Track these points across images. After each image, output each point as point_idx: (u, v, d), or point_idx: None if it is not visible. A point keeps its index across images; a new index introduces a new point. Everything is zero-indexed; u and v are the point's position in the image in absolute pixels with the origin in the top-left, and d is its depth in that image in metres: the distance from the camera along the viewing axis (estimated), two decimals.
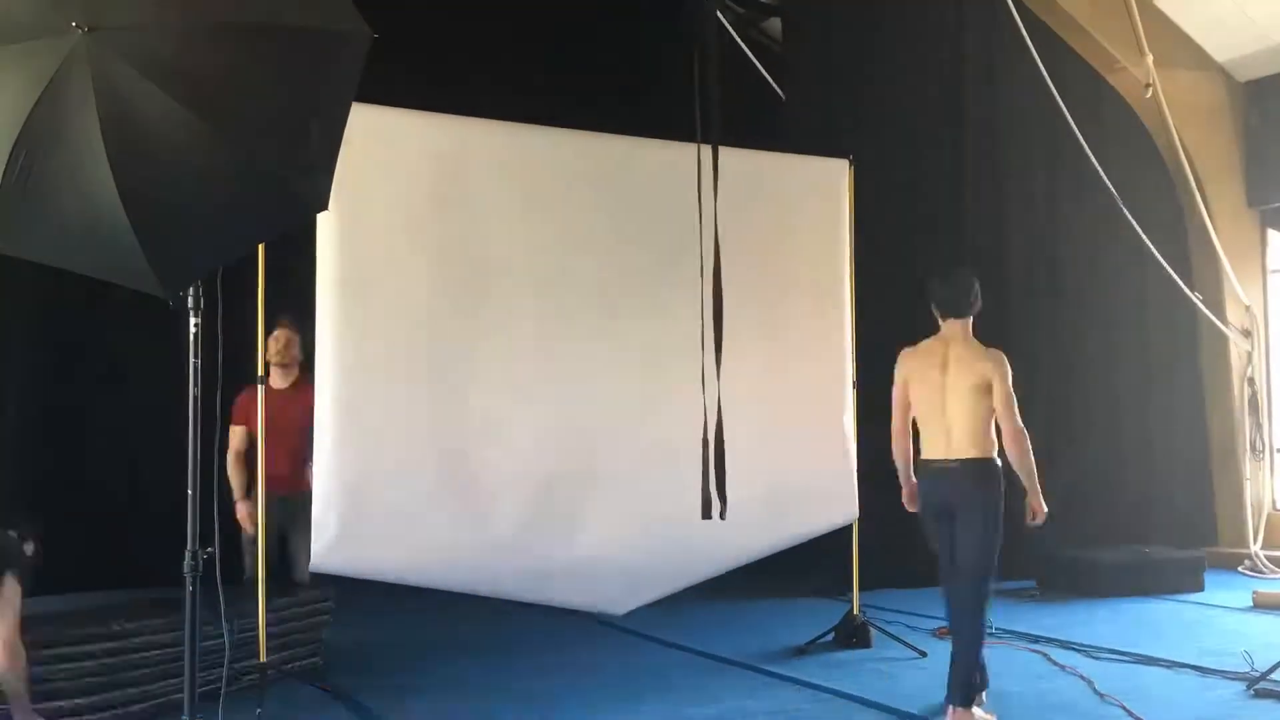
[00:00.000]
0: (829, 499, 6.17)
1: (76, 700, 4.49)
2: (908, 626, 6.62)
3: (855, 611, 6.39)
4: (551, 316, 5.42)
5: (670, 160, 5.36)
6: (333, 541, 4.78)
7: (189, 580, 3.38)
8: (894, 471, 5.00)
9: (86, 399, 7.24)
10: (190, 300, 3.33)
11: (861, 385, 6.30)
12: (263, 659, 4.89)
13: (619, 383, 5.54)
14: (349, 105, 3.07)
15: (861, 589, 6.45)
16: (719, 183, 4.44)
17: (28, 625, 4.17)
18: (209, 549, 3.42)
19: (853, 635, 6.30)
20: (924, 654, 6.02)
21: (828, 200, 6.39)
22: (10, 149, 2.70)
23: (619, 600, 5.63)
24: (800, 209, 6.27)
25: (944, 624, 6.33)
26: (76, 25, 2.59)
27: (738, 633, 6.61)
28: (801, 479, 6.03)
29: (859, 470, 6.29)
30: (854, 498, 6.24)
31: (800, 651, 6.17)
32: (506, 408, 5.26)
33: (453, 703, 5.13)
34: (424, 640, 6.53)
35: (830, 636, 6.33)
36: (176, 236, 2.90)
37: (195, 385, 3.41)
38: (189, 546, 3.39)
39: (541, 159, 5.53)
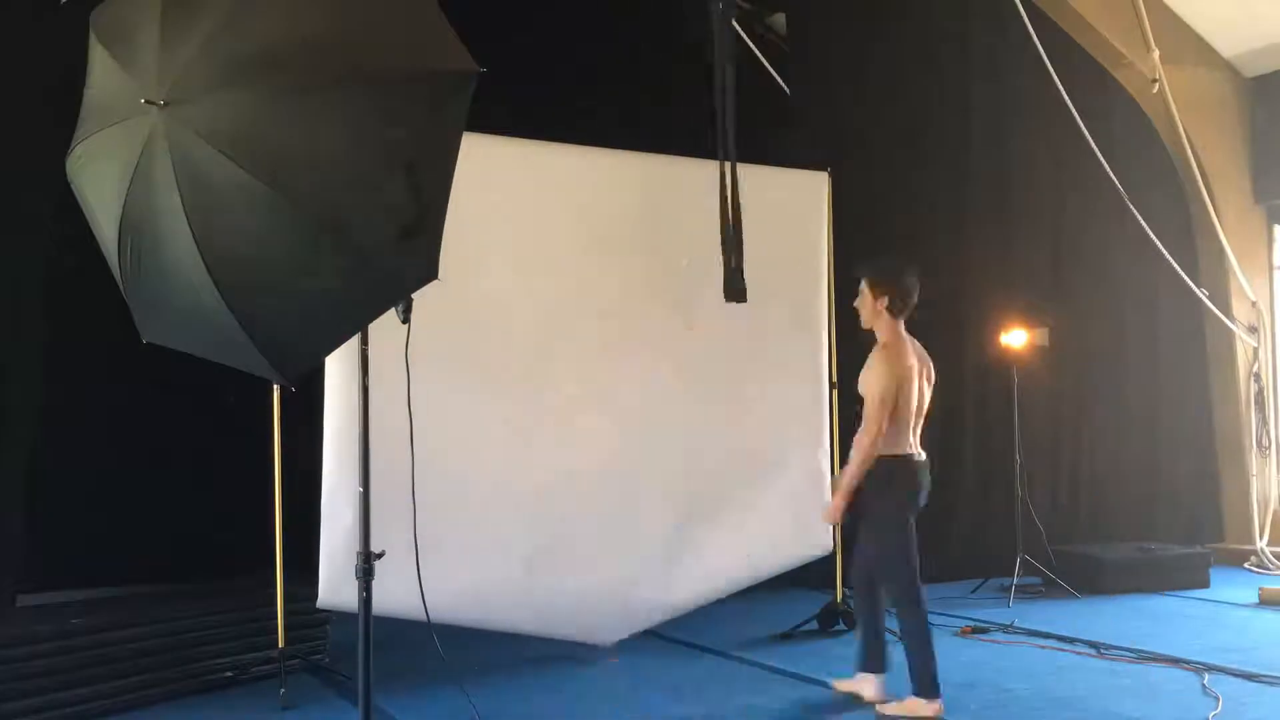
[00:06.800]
0: (804, 532, 6.17)
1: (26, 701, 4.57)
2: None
3: (838, 599, 6.49)
4: (546, 364, 5.52)
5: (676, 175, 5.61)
6: (342, 576, 4.76)
7: (361, 585, 3.18)
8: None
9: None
10: None
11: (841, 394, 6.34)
12: (282, 645, 5.09)
13: (611, 424, 5.63)
14: (453, 157, 2.67)
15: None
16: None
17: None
18: (381, 551, 3.20)
19: (836, 620, 6.46)
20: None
21: (806, 213, 6.31)
22: (117, 236, 2.59)
23: (608, 630, 5.74)
24: (778, 223, 6.08)
25: (968, 623, 6.43)
26: (148, 101, 2.40)
27: (719, 622, 6.53)
28: (776, 513, 6.08)
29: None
30: (828, 530, 6.24)
31: (785, 637, 6.34)
32: (509, 448, 5.37)
33: (445, 692, 5.12)
34: (421, 632, 6.54)
35: (814, 624, 6.47)
36: (277, 319, 2.66)
37: (365, 374, 3.22)
38: (359, 549, 3.19)
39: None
